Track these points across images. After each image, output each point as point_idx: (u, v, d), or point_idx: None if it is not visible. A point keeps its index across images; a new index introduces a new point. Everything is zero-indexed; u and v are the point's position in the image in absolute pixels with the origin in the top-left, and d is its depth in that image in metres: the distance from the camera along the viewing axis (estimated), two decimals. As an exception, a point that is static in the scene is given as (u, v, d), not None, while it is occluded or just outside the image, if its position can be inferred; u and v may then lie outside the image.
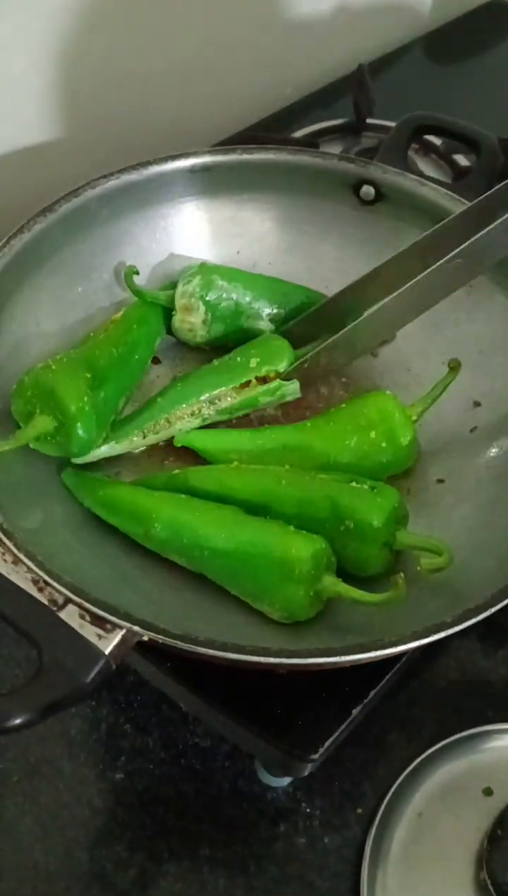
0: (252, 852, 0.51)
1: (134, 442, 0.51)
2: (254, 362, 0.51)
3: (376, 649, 0.37)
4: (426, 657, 0.57)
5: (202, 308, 0.54)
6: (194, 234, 0.58)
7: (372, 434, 0.49)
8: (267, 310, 0.56)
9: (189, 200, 0.57)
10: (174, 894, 0.49)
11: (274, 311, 0.56)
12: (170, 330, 0.56)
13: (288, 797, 0.52)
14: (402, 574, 0.40)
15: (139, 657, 0.47)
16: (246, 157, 0.56)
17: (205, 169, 0.55)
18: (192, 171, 0.55)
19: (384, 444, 0.49)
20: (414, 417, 0.50)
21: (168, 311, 0.56)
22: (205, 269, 0.54)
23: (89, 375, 0.48)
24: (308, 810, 0.52)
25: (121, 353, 0.51)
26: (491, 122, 0.70)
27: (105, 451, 0.50)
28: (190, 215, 0.57)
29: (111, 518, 0.47)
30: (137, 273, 0.55)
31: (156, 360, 0.57)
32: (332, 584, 0.43)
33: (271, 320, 0.56)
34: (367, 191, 0.56)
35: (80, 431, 0.47)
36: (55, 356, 0.48)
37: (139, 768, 0.53)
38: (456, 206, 0.53)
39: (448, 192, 0.54)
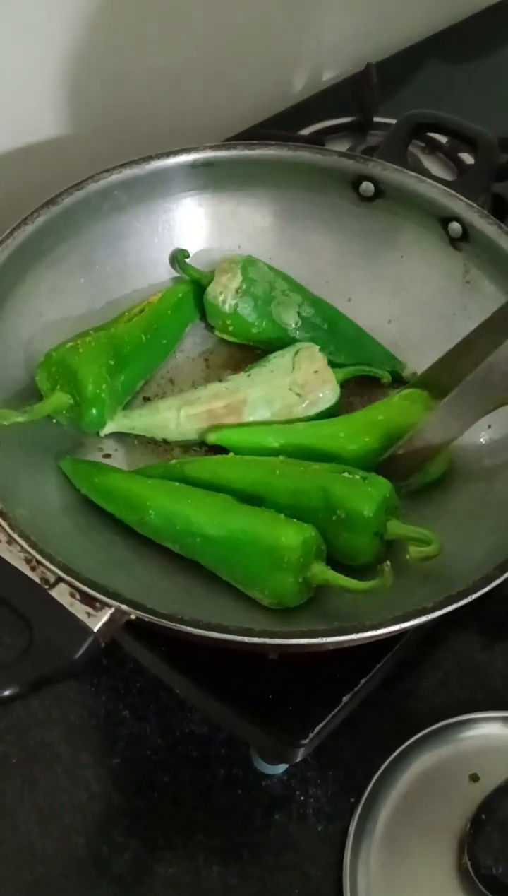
0: (246, 839, 0.51)
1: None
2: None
3: (357, 632, 0.37)
4: (423, 649, 0.57)
5: (239, 276, 0.55)
6: (196, 228, 0.59)
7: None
8: (297, 305, 0.56)
9: (190, 195, 0.58)
10: (168, 879, 0.50)
11: (305, 309, 0.57)
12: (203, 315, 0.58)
13: (282, 785, 0.53)
14: (388, 563, 0.41)
15: (134, 642, 0.48)
16: (246, 152, 0.56)
17: (207, 164, 0.56)
18: (194, 166, 0.56)
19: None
20: None
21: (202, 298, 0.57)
22: (251, 257, 0.57)
23: (113, 362, 0.51)
24: (302, 798, 0.53)
25: (149, 339, 0.54)
26: (500, 122, 0.71)
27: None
28: (191, 210, 0.58)
29: (106, 505, 0.48)
30: (188, 256, 0.58)
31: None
32: (321, 571, 0.43)
33: (300, 317, 0.56)
34: (367, 187, 0.57)
35: (94, 413, 0.50)
36: (84, 336, 0.51)
37: (136, 754, 0.54)
38: (454, 202, 0.54)
39: (446, 189, 0.54)
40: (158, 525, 0.46)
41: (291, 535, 0.43)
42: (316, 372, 0.51)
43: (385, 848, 0.49)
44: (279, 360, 0.53)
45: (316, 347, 0.53)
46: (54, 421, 0.51)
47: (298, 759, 0.49)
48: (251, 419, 0.50)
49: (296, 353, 0.53)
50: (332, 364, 0.53)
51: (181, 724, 0.55)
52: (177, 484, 0.48)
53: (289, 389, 0.50)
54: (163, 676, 0.52)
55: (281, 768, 0.53)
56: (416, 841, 0.50)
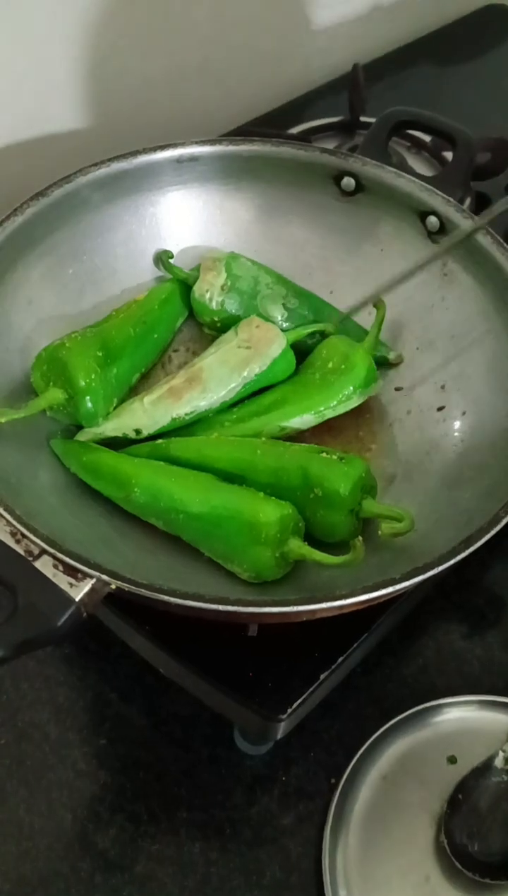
0: (228, 816, 0.52)
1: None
2: None
3: (327, 601, 0.39)
4: (403, 637, 0.59)
5: (224, 273, 0.57)
6: (182, 221, 0.60)
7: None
8: (282, 297, 0.58)
9: (177, 189, 0.59)
10: (152, 854, 0.51)
11: (291, 301, 0.58)
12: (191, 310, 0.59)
13: (264, 765, 0.54)
14: (360, 538, 0.42)
15: (119, 621, 0.50)
16: (231, 148, 0.58)
17: (192, 159, 0.58)
18: (180, 161, 0.58)
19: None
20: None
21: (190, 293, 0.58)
22: (234, 254, 0.58)
23: (101, 354, 0.52)
24: (284, 778, 0.54)
25: (139, 332, 0.55)
26: (487, 123, 0.72)
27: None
28: (178, 203, 0.59)
29: (94, 482, 0.49)
30: (172, 256, 0.59)
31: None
32: (297, 546, 0.45)
33: (285, 309, 0.57)
34: (348, 182, 0.58)
35: (88, 404, 0.51)
36: (71, 334, 0.52)
37: (122, 734, 0.55)
38: (432, 197, 0.55)
39: (424, 184, 0.56)
40: (143, 502, 0.48)
41: (270, 512, 0.45)
42: (257, 327, 0.52)
43: (363, 826, 0.50)
44: (223, 336, 0.55)
45: (254, 317, 0.55)
46: (48, 414, 0.52)
47: (279, 737, 0.50)
48: (211, 383, 0.52)
49: (236, 325, 0.55)
50: (307, 348, 0.55)
51: (166, 705, 0.56)
52: (161, 463, 0.49)
53: (239, 347, 0.52)
54: (148, 656, 0.53)
55: (263, 749, 0.54)
56: (394, 820, 0.51)
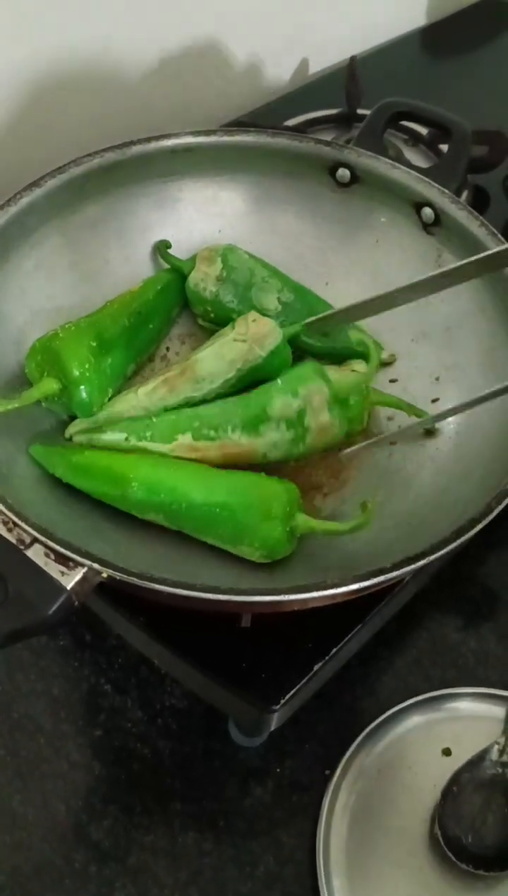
0: (221, 808, 0.52)
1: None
2: None
3: (318, 590, 0.39)
4: (399, 628, 0.59)
5: (220, 263, 0.56)
6: (177, 212, 0.60)
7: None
8: (277, 291, 0.57)
9: (171, 180, 0.59)
10: (145, 846, 0.51)
11: (285, 295, 0.58)
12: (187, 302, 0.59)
13: (259, 758, 0.54)
14: (373, 499, 0.43)
15: (114, 612, 0.50)
16: (226, 139, 0.58)
17: (187, 150, 0.57)
18: (174, 151, 0.57)
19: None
20: None
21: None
22: (231, 245, 0.58)
23: (95, 344, 0.52)
24: (278, 770, 0.54)
25: (133, 322, 0.55)
26: (485, 116, 0.72)
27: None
28: (172, 194, 0.59)
29: (85, 482, 0.48)
30: (170, 246, 0.59)
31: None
32: (304, 521, 0.46)
33: (280, 302, 0.57)
34: (343, 173, 0.58)
35: (83, 394, 0.51)
36: (65, 324, 0.52)
37: (117, 726, 0.55)
38: (427, 188, 0.55)
39: (419, 175, 0.56)
40: (141, 497, 0.47)
41: (277, 487, 0.46)
42: (253, 321, 0.52)
43: (358, 818, 0.51)
44: (220, 331, 0.54)
45: (251, 312, 0.55)
46: (43, 405, 0.52)
47: (273, 728, 0.50)
48: (205, 373, 0.52)
49: (233, 321, 0.55)
50: (306, 346, 0.55)
51: (161, 697, 0.56)
52: (156, 456, 0.49)
53: (234, 340, 0.52)
54: (142, 647, 0.53)
55: (257, 741, 0.54)
56: (388, 812, 0.51)
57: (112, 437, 0.50)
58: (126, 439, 0.49)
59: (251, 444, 0.50)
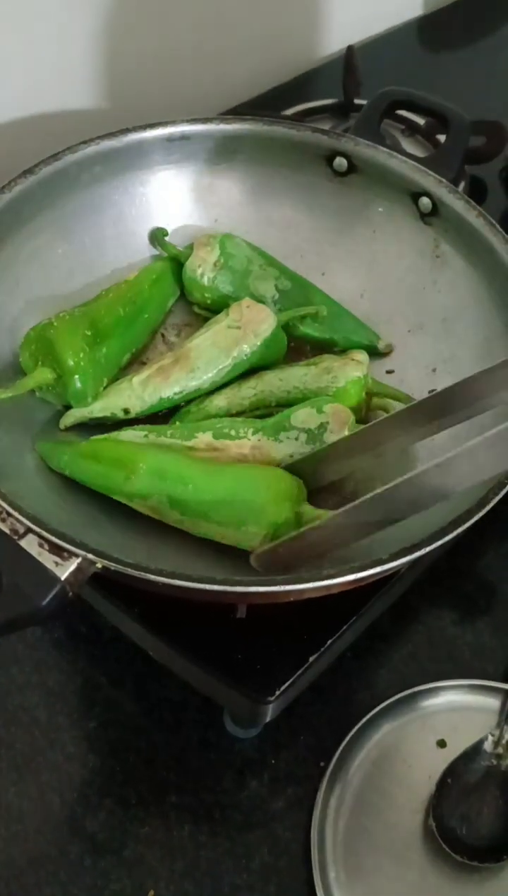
0: (217, 800, 0.52)
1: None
2: None
3: (314, 581, 0.38)
4: (394, 622, 0.58)
5: (218, 250, 0.56)
6: (173, 201, 0.59)
7: None
8: (274, 279, 0.57)
9: (167, 168, 0.58)
10: (141, 838, 0.51)
11: (283, 283, 0.58)
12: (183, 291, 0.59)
13: (254, 750, 0.54)
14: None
15: (109, 605, 0.50)
16: (222, 127, 0.57)
17: (183, 138, 0.57)
18: (170, 139, 0.57)
19: None
20: None
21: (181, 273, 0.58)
22: (229, 234, 0.58)
23: (90, 333, 0.51)
24: (273, 762, 0.54)
25: (128, 312, 0.54)
26: (482, 106, 0.72)
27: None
28: (168, 183, 0.59)
29: (92, 467, 0.48)
30: (167, 234, 0.59)
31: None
32: (310, 510, 0.46)
33: (277, 290, 0.57)
34: (340, 162, 0.58)
35: (77, 384, 0.51)
36: (60, 313, 0.52)
37: (112, 718, 0.55)
38: (424, 177, 0.55)
39: (416, 165, 0.56)
40: (147, 482, 0.46)
41: (285, 475, 0.47)
42: (248, 307, 0.52)
43: (352, 810, 0.50)
44: (215, 318, 0.54)
45: (246, 298, 0.55)
46: (38, 394, 0.52)
47: (268, 719, 0.50)
48: (200, 364, 0.51)
49: (228, 307, 0.55)
50: (305, 336, 0.54)
51: (156, 689, 0.56)
52: (167, 447, 0.49)
53: (229, 327, 0.51)
54: (138, 639, 0.53)
55: (252, 733, 0.54)
56: (383, 804, 0.51)
57: (130, 434, 0.50)
58: (145, 436, 0.50)
59: (270, 447, 0.50)
